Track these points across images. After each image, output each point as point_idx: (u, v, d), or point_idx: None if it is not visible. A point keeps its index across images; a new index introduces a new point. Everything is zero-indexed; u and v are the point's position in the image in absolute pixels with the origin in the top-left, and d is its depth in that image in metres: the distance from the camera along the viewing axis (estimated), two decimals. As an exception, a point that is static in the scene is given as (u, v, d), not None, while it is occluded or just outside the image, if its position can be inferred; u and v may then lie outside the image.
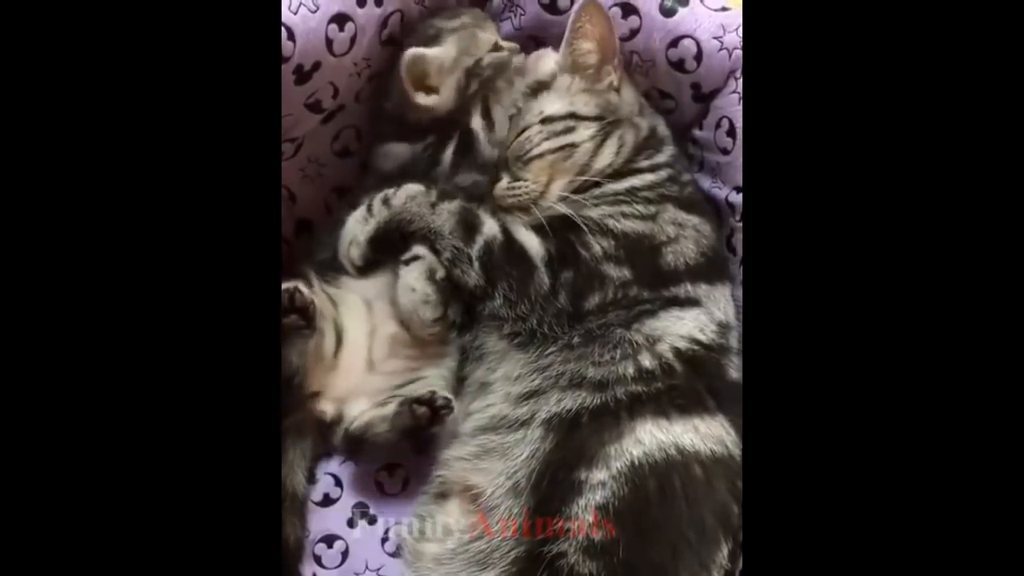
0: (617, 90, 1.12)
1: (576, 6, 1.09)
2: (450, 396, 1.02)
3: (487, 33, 1.16)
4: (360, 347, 1.11)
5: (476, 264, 1.00)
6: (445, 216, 1.03)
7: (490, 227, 1.03)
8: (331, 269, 1.12)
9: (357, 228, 1.07)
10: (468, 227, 1.02)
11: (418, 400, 1.00)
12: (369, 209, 1.07)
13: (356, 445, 1.08)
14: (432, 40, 1.12)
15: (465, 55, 1.13)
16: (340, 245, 1.08)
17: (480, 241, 1.01)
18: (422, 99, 1.11)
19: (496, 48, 1.15)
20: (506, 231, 1.03)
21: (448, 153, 1.13)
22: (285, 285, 1.00)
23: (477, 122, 1.13)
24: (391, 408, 1.03)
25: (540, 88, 1.10)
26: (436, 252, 1.03)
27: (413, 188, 1.07)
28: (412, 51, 1.07)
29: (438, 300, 1.03)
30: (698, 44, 1.08)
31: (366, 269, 1.09)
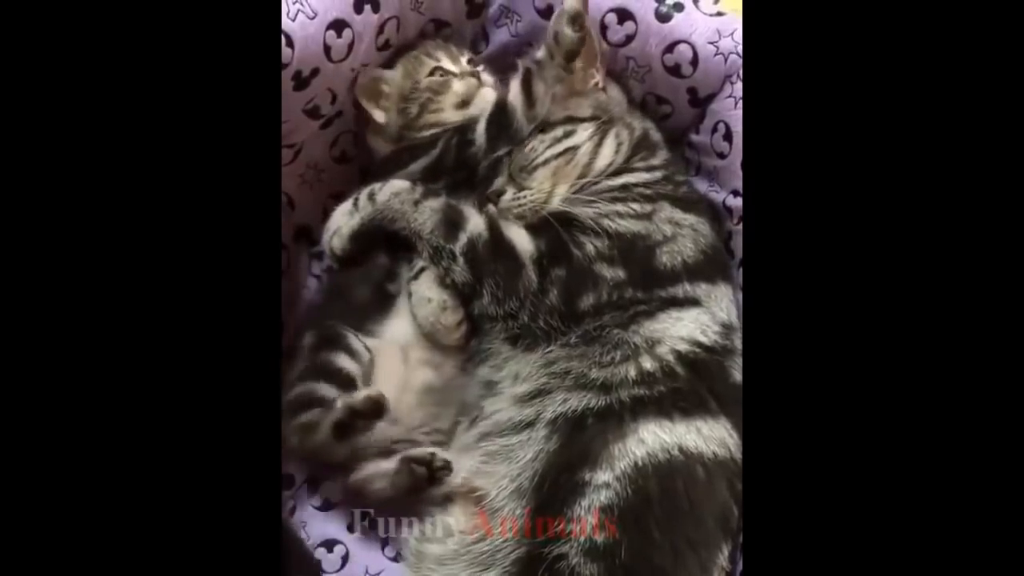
0: (603, 89, 1.14)
1: (555, 14, 1.10)
2: (449, 458, 0.99)
3: (431, 59, 1.17)
4: (390, 404, 1.04)
5: (461, 260, 1.00)
6: (427, 214, 1.03)
7: (475, 224, 1.03)
8: (368, 316, 1.09)
9: (342, 220, 1.08)
10: (451, 224, 1.02)
11: (417, 460, 0.98)
12: (355, 203, 1.08)
13: (355, 497, 1.05)
14: (389, 64, 1.18)
15: (407, 79, 1.16)
16: (324, 235, 1.10)
17: (464, 238, 1.01)
18: (378, 115, 1.16)
19: (435, 72, 1.16)
20: (493, 227, 1.02)
21: (480, 128, 1.11)
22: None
23: (515, 95, 1.11)
24: (391, 464, 1.00)
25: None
26: (417, 253, 1.04)
27: (398, 184, 1.07)
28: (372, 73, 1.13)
29: (456, 303, 1.03)
30: (694, 49, 1.09)
31: (347, 261, 1.09)
